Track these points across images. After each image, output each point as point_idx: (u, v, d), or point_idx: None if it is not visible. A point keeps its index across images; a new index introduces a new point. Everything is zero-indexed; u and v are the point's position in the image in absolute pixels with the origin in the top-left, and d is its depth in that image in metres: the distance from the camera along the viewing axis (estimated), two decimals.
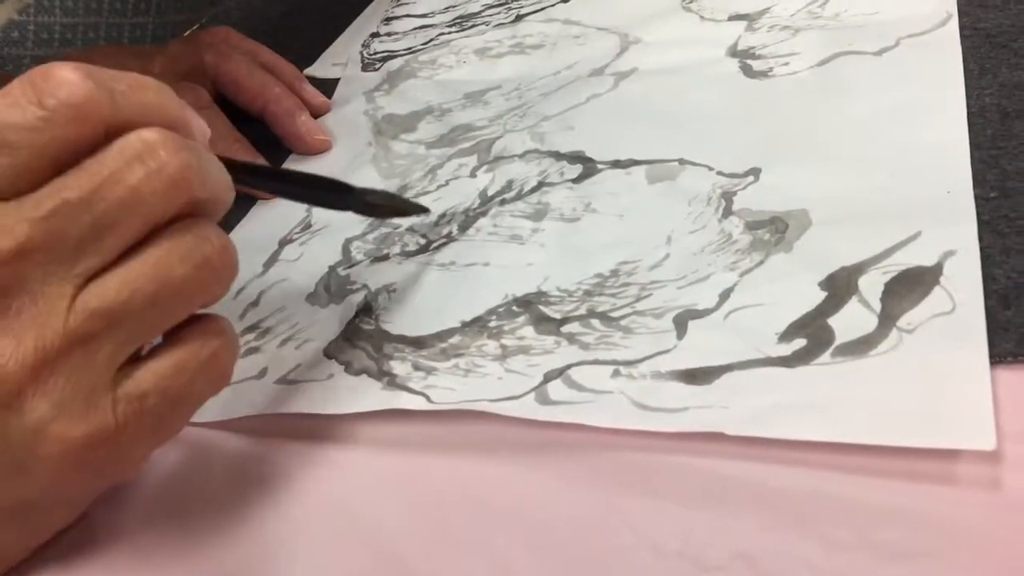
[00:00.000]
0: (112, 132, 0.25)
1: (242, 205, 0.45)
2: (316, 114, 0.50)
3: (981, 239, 0.31)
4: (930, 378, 0.27)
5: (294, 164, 0.47)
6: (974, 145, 0.35)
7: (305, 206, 0.43)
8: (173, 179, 0.25)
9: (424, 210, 0.38)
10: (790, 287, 0.31)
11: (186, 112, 0.27)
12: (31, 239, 0.24)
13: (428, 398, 0.31)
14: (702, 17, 0.48)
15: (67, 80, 0.24)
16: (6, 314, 0.24)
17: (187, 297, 0.26)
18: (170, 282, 0.25)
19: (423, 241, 0.39)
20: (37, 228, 0.24)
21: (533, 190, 0.40)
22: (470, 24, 0.55)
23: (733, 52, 0.45)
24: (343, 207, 0.35)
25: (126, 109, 0.25)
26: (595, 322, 0.32)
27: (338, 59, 0.57)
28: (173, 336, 0.26)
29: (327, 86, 0.53)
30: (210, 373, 0.27)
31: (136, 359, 0.26)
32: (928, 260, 0.30)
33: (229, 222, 0.44)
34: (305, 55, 0.57)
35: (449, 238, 0.39)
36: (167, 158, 0.25)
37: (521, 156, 0.42)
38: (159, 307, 0.25)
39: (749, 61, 0.44)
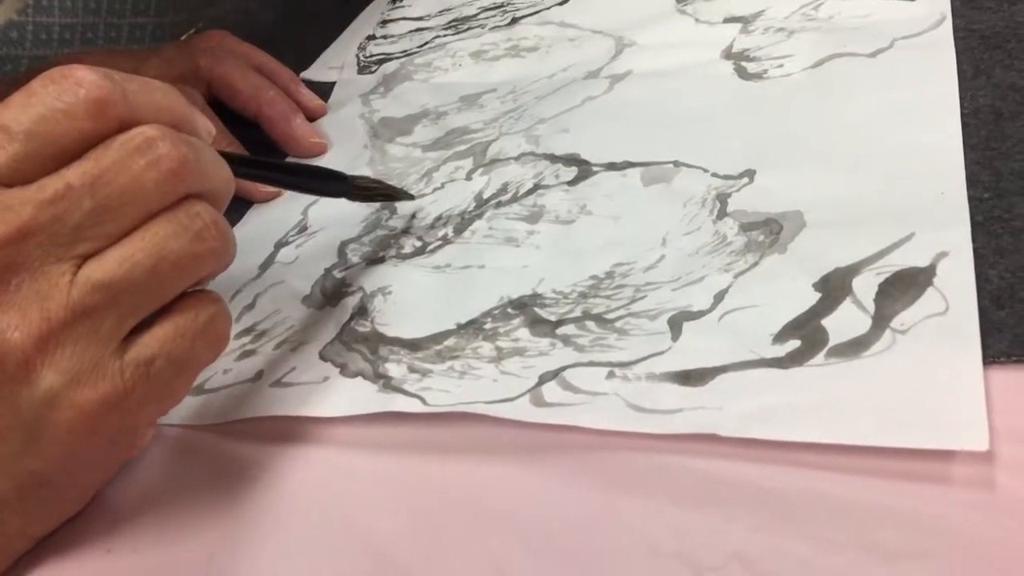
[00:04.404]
0: (123, 129, 0.27)
1: (238, 208, 0.45)
2: (312, 117, 0.50)
3: (974, 240, 0.31)
4: (923, 379, 0.27)
5: None
6: (968, 146, 0.35)
7: (300, 209, 0.43)
8: (171, 170, 0.27)
9: (409, 197, 0.41)
10: (784, 288, 0.31)
11: (191, 112, 0.29)
12: (34, 220, 0.25)
13: (423, 400, 0.31)
14: (697, 20, 0.48)
15: (86, 79, 0.26)
16: (7, 289, 0.26)
17: (184, 269, 0.27)
18: (167, 255, 0.27)
19: (419, 243, 0.39)
20: (41, 211, 0.26)
21: (528, 192, 0.40)
22: (466, 27, 0.55)
23: (728, 54, 0.45)
24: (336, 194, 0.38)
25: (137, 107, 0.27)
26: (590, 324, 0.32)
27: (334, 62, 0.57)
28: (171, 306, 0.28)
29: (323, 89, 0.53)
30: (209, 336, 0.28)
31: (138, 329, 0.27)
32: (921, 261, 0.30)
33: None
34: (301, 58, 0.57)
35: (445, 240, 0.39)
36: (166, 151, 0.27)
37: (516, 159, 0.42)
38: (157, 279, 0.27)
39: (743, 63, 0.44)
